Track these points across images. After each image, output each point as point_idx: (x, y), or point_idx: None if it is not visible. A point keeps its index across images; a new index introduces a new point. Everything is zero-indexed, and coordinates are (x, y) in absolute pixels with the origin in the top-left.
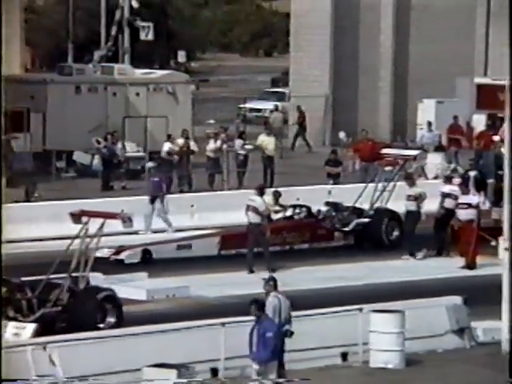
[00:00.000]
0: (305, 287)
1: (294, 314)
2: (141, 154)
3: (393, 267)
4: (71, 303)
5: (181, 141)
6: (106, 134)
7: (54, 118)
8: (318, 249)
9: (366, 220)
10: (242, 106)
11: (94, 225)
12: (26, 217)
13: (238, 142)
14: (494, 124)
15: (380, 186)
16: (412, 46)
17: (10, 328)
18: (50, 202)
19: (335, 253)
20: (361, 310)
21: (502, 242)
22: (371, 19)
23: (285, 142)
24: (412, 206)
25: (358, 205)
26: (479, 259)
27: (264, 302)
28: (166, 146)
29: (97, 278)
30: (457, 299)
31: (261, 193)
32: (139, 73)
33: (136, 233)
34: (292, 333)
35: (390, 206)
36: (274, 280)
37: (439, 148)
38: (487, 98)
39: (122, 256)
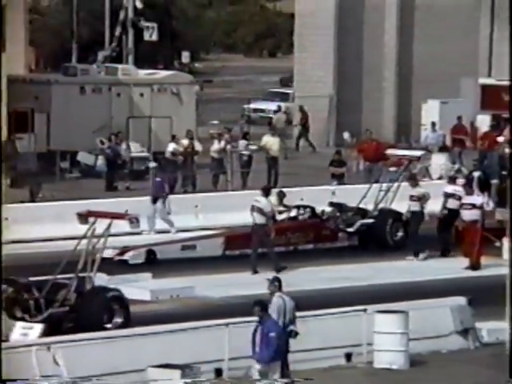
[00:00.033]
0: (309, 288)
1: (298, 314)
2: (145, 154)
3: (397, 268)
4: (78, 303)
5: (185, 141)
6: (110, 135)
7: (59, 119)
8: (323, 249)
9: (371, 221)
10: (246, 106)
11: (100, 225)
12: (30, 217)
13: (242, 143)
14: (499, 124)
15: (384, 186)
16: (416, 46)
17: (18, 328)
18: (55, 202)
19: (339, 253)
20: (365, 310)
21: (507, 243)
22: (375, 20)
23: (289, 142)
24: (415, 207)
25: (362, 205)
26: (483, 260)
27: (266, 302)
28: (171, 147)
29: (101, 279)
30: (461, 300)
31: (266, 193)
32: (143, 73)
33: (140, 233)
34: (297, 333)
35: (395, 206)
36: (279, 280)
37: (443, 148)
38: (491, 98)
39: (127, 256)
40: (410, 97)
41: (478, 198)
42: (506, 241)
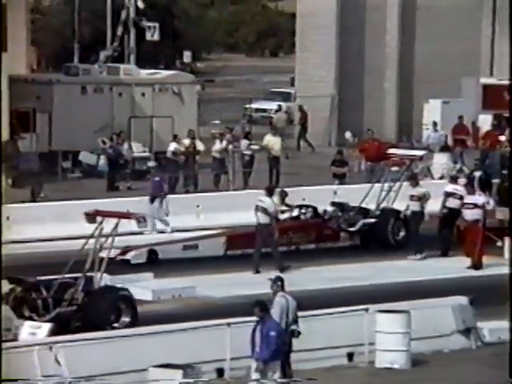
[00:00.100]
0: (311, 287)
1: (300, 314)
2: (147, 154)
3: (399, 267)
4: (86, 303)
5: (187, 141)
6: (112, 135)
7: (60, 119)
8: (324, 249)
9: (372, 220)
10: (247, 106)
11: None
12: (32, 217)
13: (244, 143)
14: (500, 124)
15: (386, 186)
16: (418, 46)
17: (26, 327)
18: (56, 202)
19: (341, 253)
20: (367, 310)
21: (508, 242)
22: (377, 19)
23: (290, 142)
24: (415, 207)
25: (364, 205)
26: (485, 259)
27: (267, 302)
28: (172, 147)
29: (103, 279)
30: (463, 299)
31: (270, 193)
32: (145, 73)
33: (142, 233)
34: (299, 333)
35: (397, 206)
36: (282, 280)
37: (445, 148)
38: (493, 98)
39: (128, 256)
40: (412, 96)
41: (479, 198)
42: (507, 240)
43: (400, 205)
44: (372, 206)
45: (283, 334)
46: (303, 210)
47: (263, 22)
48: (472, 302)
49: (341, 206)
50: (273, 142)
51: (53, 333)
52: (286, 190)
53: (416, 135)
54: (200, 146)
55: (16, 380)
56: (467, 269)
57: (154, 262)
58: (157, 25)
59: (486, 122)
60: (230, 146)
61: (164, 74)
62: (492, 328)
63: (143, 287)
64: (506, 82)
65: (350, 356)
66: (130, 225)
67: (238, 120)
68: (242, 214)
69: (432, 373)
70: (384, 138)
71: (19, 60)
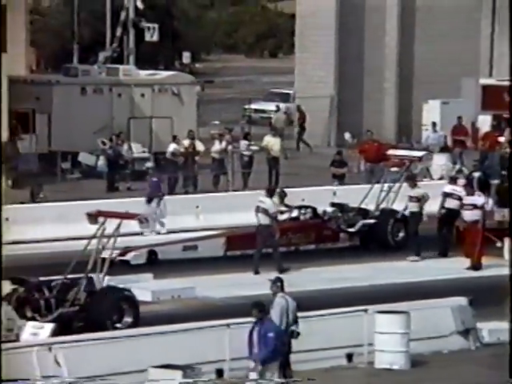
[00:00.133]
0: (310, 288)
1: (299, 314)
2: (146, 154)
3: (398, 268)
4: (88, 303)
5: (187, 142)
6: (112, 135)
7: (60, 119)
8: (324, 250)
9: (372, 221)
10: (246, 107)
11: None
12: (31, 218)
13: (243, 143)
14: (500, 125)
15: (386, 186)
16: (417, 47)
17: (29, 328)
18: (56, 203)
19: (341, 254)
20: (366, 310)
21: (508, 243)
22: (376, 20)
23: (289, 142)
24: (414, 208)
25: (363, 206)
26: (485, 260)
27: (265, 304)
28: (171, 147)
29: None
30: (462, 300)
31: (271, 194)
32: (144, 74)
33: (141, 234)
34: (298, 333)
35: (396, 207)
36: (281, 281)
37: (444, 149)
38: (492, 98)
39: (128, 257)
40: (411, 97)
41: (479, 199)
42: (507, 241)
43: (399, 206)
44: (371, 207)
45: (281, 335)
46: (303, 211)
47: (262, 23)
48: (471, 303)
49: (340, 207)
50: (272, 142)
51: (55, 333)
52: (286, 190)
53: (415, 136)
54: (200, 147)
55: (15, 380)
56: (466, 269)
57: (154, 263)
58: (156, 26)
59: (485, 122)
60: (230, 147)
61: (163, 74)
62: (491, 329)
63: (143, 288)
64: (506, 83)
65: (350, 357)
66: (130, 225)
67: (238, 121)
68: (241, 214)
69: (431, 373)
70: (383, 138)
71: (18, 61)
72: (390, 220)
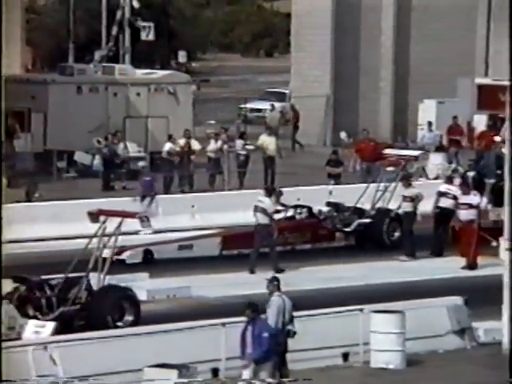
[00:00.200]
0: (306, 287)
1: (295, 314)
2: (142, 154)
3: (394, 268)
4: (89, 302)
5: (182, 141)
6: (107, 134)
7: (55, 118)
8: (320, 249)
9: (368, 220)
10: (242, 106)
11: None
12: (26, 217)
13: (239, 143)
14: (495, 124)
15: (382, 186)
16: (413, 46)
17: (30, 326)
18: (51, 202)
19: (336, 253)
20: (362, 310)
21: (503, 243)
22: (372, 20)
23: (283, 142)
24: (408, 207)
25: (359, 205)
26: (480, 260)
27: (258, 304)
28: (167, 146)
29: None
30: (458, 300)
31: (269, 194)
32: (140, 73)
33: (137, 233)
34: (295, 333)
35: (392, 206)
36: (278, 280)
37: (440, 148)
38: (488, 98)
39: (124, 256)
40: (407, 97)
41: (474, 198)
42: (502, 240)
43: (395, 205)
44: (367, 206)
45: (276, 334)
46: (298, 210)
47: (258, 22)
48: (467, 303)
49: (336, 206)
50: (268, 141)
51: (57, 331)
52: (282, 189)
53: (411, 135)
54: (195, 146)
55: (11, 381)
56: (462, 269)
57: (150, 262)
58: (152, 25)
59: (480, 122)
60: (225, 146)
61: (159, 73)
62: (487, 328)
63: (138, 287)
64: (501, 83)
65: (345, 356)
66: (126, 224)
67: (233, 120)
68: (237, 213)
69: (427, 373)
70: (379, 138)
71: (14, 60)
72: (386, 219)
